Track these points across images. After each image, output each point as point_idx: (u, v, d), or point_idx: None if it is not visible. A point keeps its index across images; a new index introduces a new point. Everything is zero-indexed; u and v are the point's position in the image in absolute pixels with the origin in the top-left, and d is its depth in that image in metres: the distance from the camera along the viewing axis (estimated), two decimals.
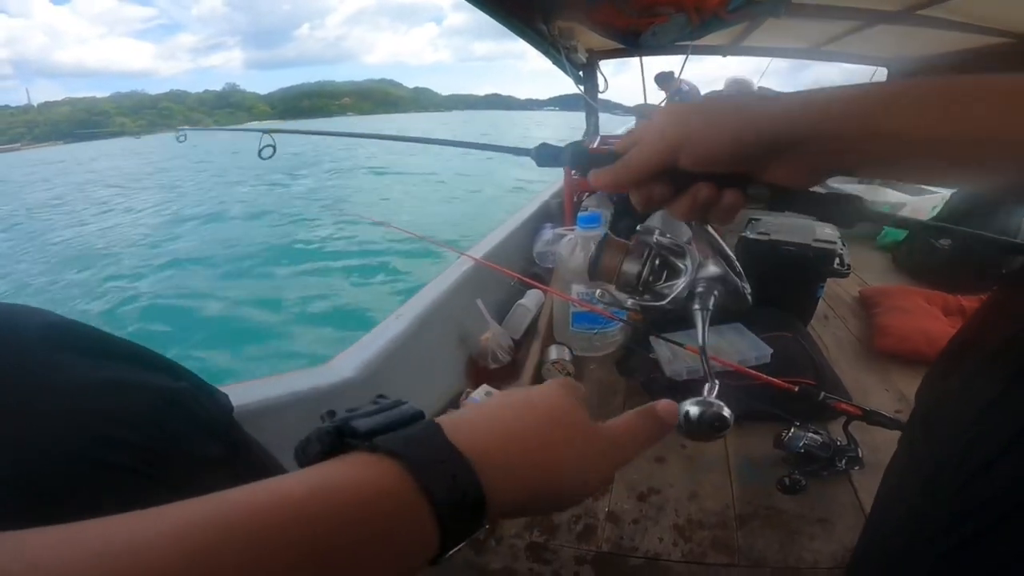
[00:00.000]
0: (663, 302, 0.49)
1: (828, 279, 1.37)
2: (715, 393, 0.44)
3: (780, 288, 1.35)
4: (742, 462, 0.93)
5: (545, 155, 0.46)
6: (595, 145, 2.22)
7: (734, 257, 0.50)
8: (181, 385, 0.38)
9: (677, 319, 1.35)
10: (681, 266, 0.50)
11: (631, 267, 0.49)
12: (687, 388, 1.09)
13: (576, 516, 0.84)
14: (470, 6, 1.16)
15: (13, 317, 0.35)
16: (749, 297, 0.51)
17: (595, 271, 0.51)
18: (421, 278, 4.56)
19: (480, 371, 1.30)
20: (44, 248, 7.42)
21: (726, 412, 0.42)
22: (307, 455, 0.26)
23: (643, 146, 0.38)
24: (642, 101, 3.54)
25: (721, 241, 0.50)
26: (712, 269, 0.50)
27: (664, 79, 3.80)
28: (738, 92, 2.83)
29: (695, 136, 0.36)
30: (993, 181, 0.35)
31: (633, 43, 1.66)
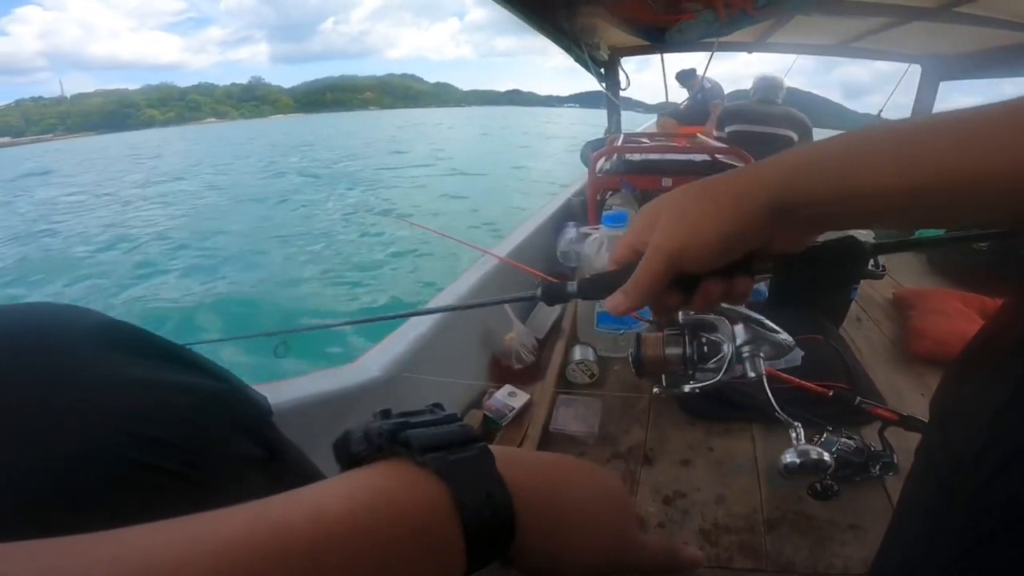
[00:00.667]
0: (718, 378, 0.51)
1: (861, 281, 1.34)
2: (803, 439, 0.47)
3: (811, 290, 1.33)
4: (771, 466, 0.92)
5: (553, 294, 0.46)
6: (619, 143, 2.20)
7: (762, 318, 0.52)
8: (221, 386, 0.37)
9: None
10: (716, 338, 0.52)
11: (674, 351, 0.51)
12: (718, 392, 1.07)
13: None
14: (492, 2, 1.16)
15: (59, 316, 0.35)
16: (792, 346, 0.53)
17: (641, 368, 0.52)
18: (442, 273, 4.61)
19: (503, 371, 1.30)
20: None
21: (826, 456, 0.46)
22: (350, 451, 0.26)
23: (646, 265, 0.39)
24: (665, 99, 3.50)
25: (739, 309, 0.51)
26: (744, 334, 0.51)
27: (685, 76, 3.75)
28: (767, 89, 2.78)
29: (691, 242, 0.37)
30: (973, 219, 0.35)
31: (658, 39, 1.65)
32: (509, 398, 1.13)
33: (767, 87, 2.83)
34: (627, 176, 1.83)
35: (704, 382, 0.52)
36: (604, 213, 1.27)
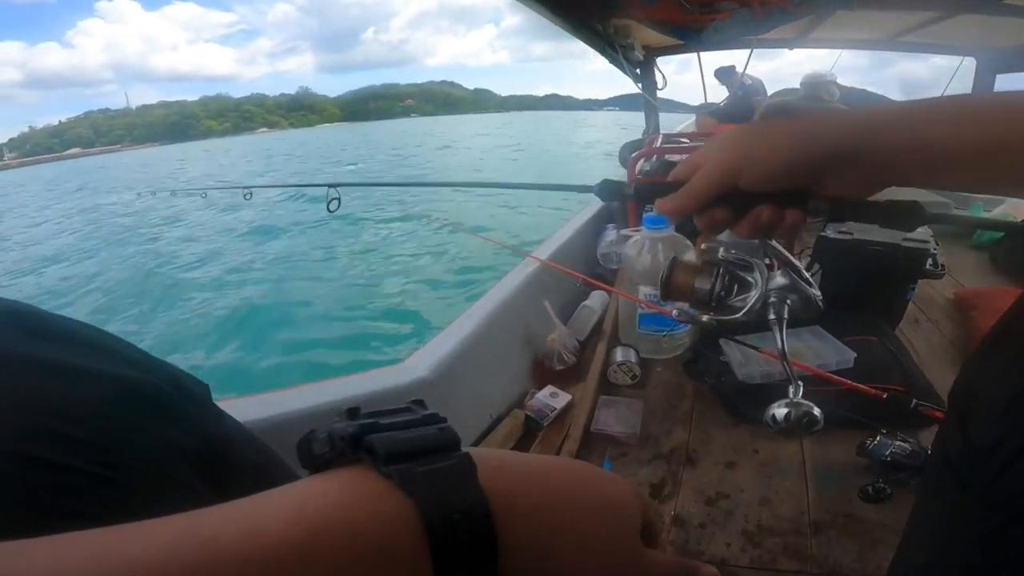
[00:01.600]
0: (738, 315, 0.51)
1: (919, 281, 1.28)
2: (800, 394, 0.46)
3: (864, 290, 1.28)
4: (820, 468, 0.90)
5: (608, 191, 0.48)
6: (657, 144, 2.19)
7: (802, 266, 0.52)
8: (145, 377, 0.33)
9: (750, 321, 1.31)
10: (750, 279, 0.51)
11: (703, 284, 0.51)
12: (760, 392, 1.06)
13: None
14: (528, 9, 1.18)
15: None
16: (820, 304, 0.52)
17: (668, 291, 0.53)
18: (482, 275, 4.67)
19: (545, 372, 1.32)
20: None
21: (816, 411, 0.45)
22: (311, 453, 0.23)
23: (703, 172, 0.40)
24: (704, 99, 3.42)
25: (786, 252, 0.51)
26: (780, 280, 0.51)
27: (725, 74, 3.66)
28: (816, 86, 2.68)
29: (753, 157, 0.38)
30: None
31: (695, 39, 1.63)
32: (551, 399, 1.15)
33: (816, 84, 2.73)
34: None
35: (723, 316, 0.52)
36: (645, 215, 1.27)
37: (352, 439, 0.21)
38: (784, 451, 0.95)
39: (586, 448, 1.01)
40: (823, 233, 1.41)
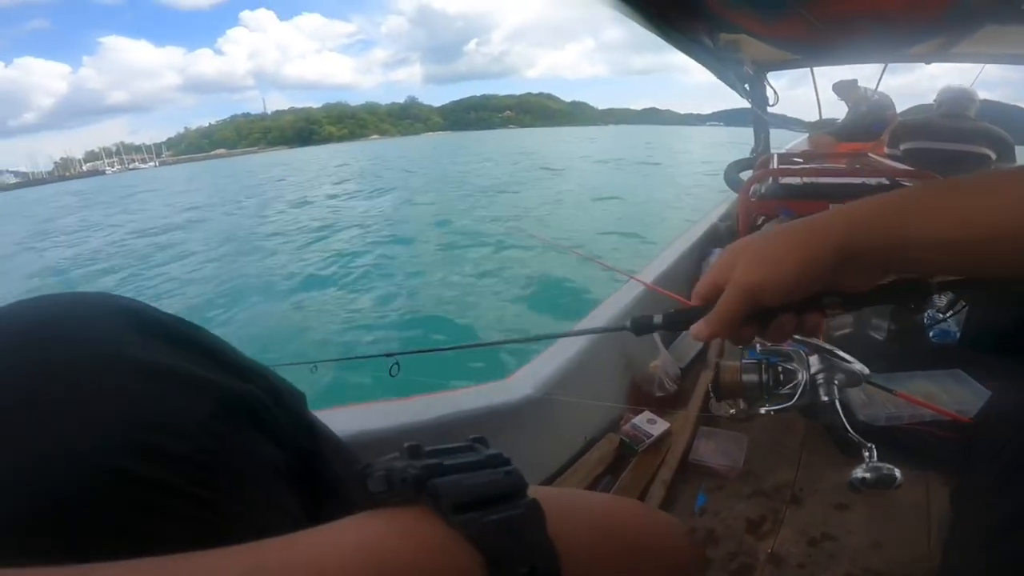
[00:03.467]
0: (792, 402, 0.55)
1: None
2: (875, 457, 0.52)
3: (1019, 331, 1.12)
4: (948, 514, 0.81)
5: (642, 326, 0.50)
6: (775, 165, 2.07)
7: (830, 347, 0.56)
8: (246, 387, 0.32)
9: (876, 358, 1.21)
10: (792, 368, 0.56)
11: (750, 379, 0.57)
12: (883, 435, 0.97)
13: (732, 553, 0.82)
14: (628, 20, 1.18)
15: (84, 303, 0.31)
16: (864, 370, 0.56)
17: (719, 392, 0.60)
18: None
19: (643, 397, 1.31)
20: None
21: (896, 473, 0.49)
22: (369, 491, 0.21)
23: (729, 297, 0.42)
24: (818, 115, 3.17)
25: (813, 340, 0.56)
26: (818, 363, 0.55)
27: (844, 88, 3.35)
28: (955, 102, 2.38)
29: (769, 279, 0.41)
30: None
31: (816, 54, 1.54)
32: (648, 424, 1.14)
33: (955, 99, 2.41)
34: (787, 201, 1.72)
35: (778, 405, 0.56)
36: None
37: (416, 482, 0.20)
38: (906, 496, 0.87)
39: (681, 478, 1.00)
40: None
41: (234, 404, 0.30)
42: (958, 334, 1.33)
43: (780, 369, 0.57)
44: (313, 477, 0.34)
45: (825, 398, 0.54)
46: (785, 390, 0.56)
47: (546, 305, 5.02)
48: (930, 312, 1.46)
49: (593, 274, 4.96)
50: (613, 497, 0.32)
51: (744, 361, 0.59)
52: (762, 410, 0.57)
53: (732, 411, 0.62)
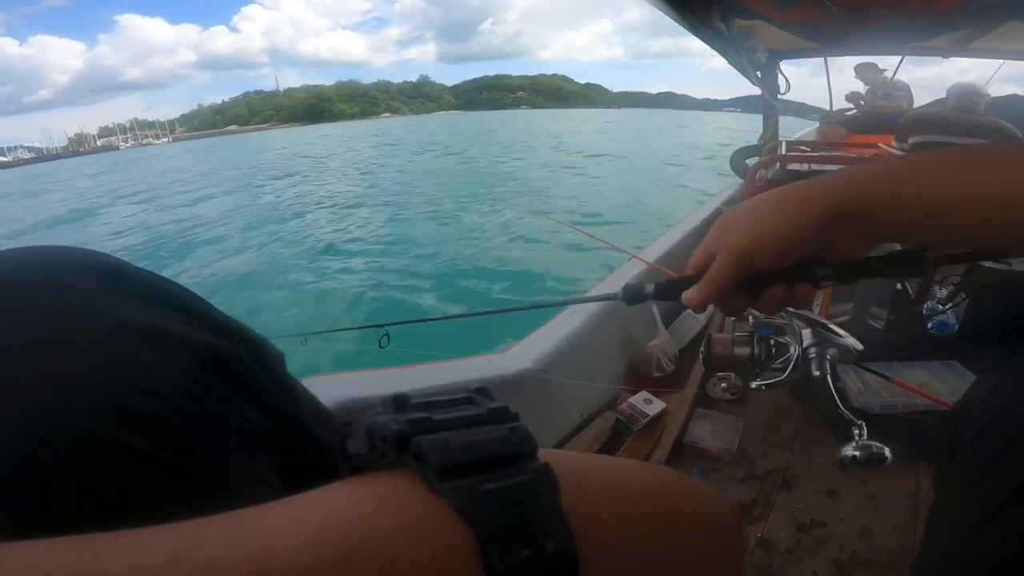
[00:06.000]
0: (784, 376, 0.55)
1: None
2: (865, 436, 0.53)
3: (1019, 325, 1.13)
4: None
5: (633, 295, 0.50)
6: (782, 151, 2.05)
7: (824, 320, 0.56)
8: (226, 344, 0.29)
9: (874, 347, 1.22)
10: (784, 341, 0.56)
11: (742, 351, 0.57)
12: (878, 422, 0.98)
13: None
14: (647, 4, 1.17)
15: (55, 255, 0.29)
16: (857, 345, 0.56)
17: (711, 363, 0.59)
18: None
19: (640, 377, 1.31)
20: None
21: (886, 451, 0.50)
22: (346, 451, 0.18)
23: (721, 261, 0.42)
24: (841, 103, 3.12)
25: (807, 313, 0.56)
26: (811, 337, 0.55)
27: (866, 71, 3.32)
28: (965, 96, 2.35)
29: (761, 241, 0.40)
30: (1006, 244, 0.37)
31: (833, 42, 1.52)
32: (644, 404, 1.15)
33: (964, 94, 2.38)
34: None
35: (770, 379, 0.56)
36: None
37: (397, 439, 0.16)
38: (896, 485, 0.88)
39: (675, 459, 1.01)
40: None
41: (211, 361, 0.28)
42: (956, 326, 1.34)
43: (772, 342, 0.57)
44: (293, 442, 0.32)
45: (816, 373, 0.54)
46: (777, 364, 0.56)
47: (546, 281, 5.04)
48: (929, 303, 1.46)
49: (597, 253, 4.97)
50: (637, 463, 0.23)
51: (736, 334, 0.58)
52: (753, 384, 0.57)
53: (724, 385, 0.61)
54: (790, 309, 0.52)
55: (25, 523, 0.20)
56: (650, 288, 0.48)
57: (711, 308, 0.48)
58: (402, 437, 0.16)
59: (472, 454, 0.16)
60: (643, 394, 1.18)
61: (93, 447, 0.22)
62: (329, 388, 0.77)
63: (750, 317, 0.58)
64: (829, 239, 0.40)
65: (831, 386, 0.54)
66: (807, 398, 1.13)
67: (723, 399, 1.17)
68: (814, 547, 0.79)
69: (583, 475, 0.19)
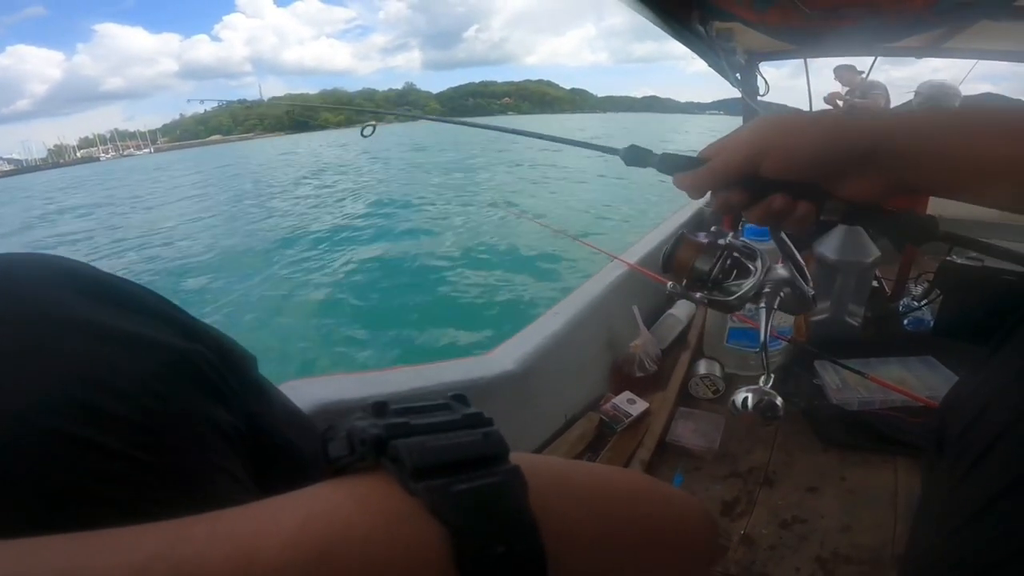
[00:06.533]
0: (731, 298, 0.52)
1: None
2: (770, 384, 0.48)
3: (991, 322, 1.15)
4: (915, 500, 0.83)
5: (633, 156, 0.48)
6: None
7: (804, 265, 0.53)
8: (193, 347, 0.30)
9: (851, 344, 1.23)
10: (751, 267, 0.52)
11: (703, 264, 0.53)
12: (856, 419, 1.00)
13: None
14: (630, 9, 1.17)
15: (28, 262, 0.29)
16: (813, 301, 0.53)
17: (668, 264, 0.54)
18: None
19: (624, 377, 1.32)
20: None
21: (778, 401, 0.47)
22: (327, 454, 0.19)
23: (727, 153, 0.41)
24: (820, 105, 3.18)
25: (793, 248, 0.52)
26: (780, 272, 0.52)
27: (844, 73, 3.41)
28: (936, 97, 2.42)
29: (778, 144, 0.39)
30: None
31: (809, 43, 1.54)
32: (628, 404, 1.15)
33: (936, 94, 2.43)
34: None
35: (715, 297, 0.53)
36: (747, 224, 1.24)
37: (375, 443, 0.17)
38: (875, 481, 0.90)
39: (658, 458, 1.01)
40: (949, 258, 1.30)
41: (179, 364, 0.29)
42: (932, 323, 1.37)
43: (739, 260, 0.53)
44: (263, 443, 0.33)
45: (762, 305, 0.52)
46: (730, 285, 0.52)
47: (529, 282, 5.06)
48: (904, 300, 1.49)
49: (575, 254, 5.00)
50: (615, 468, 0.28)
51: (706, 241, 0.53)
52: (697, 295, 0.53)
53: (670, 284, 0.56)
54: (782, 235, 0.50)
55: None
56: (655, 158, 0.47)
57: (692, 307, 0.46)
58: (380, 441, 0.17)
59: (446, 456, 0.17)
60: (626, 394, 1.18)
61: (63, 445, 0.23)
62: (312, 390, 0.76)
63: (730, 233, 0.55)
64: (844, 172, 0.39)
65: (766, 322, 0.52)
66: (786, 395, 1.14)
67: (705, 398, 1.17)
68: (796, 543, 0.80)
69: (555, 478, 0.20)
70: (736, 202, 0.43)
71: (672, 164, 0.45)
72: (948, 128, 0.37)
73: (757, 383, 0.49)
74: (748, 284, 0.51)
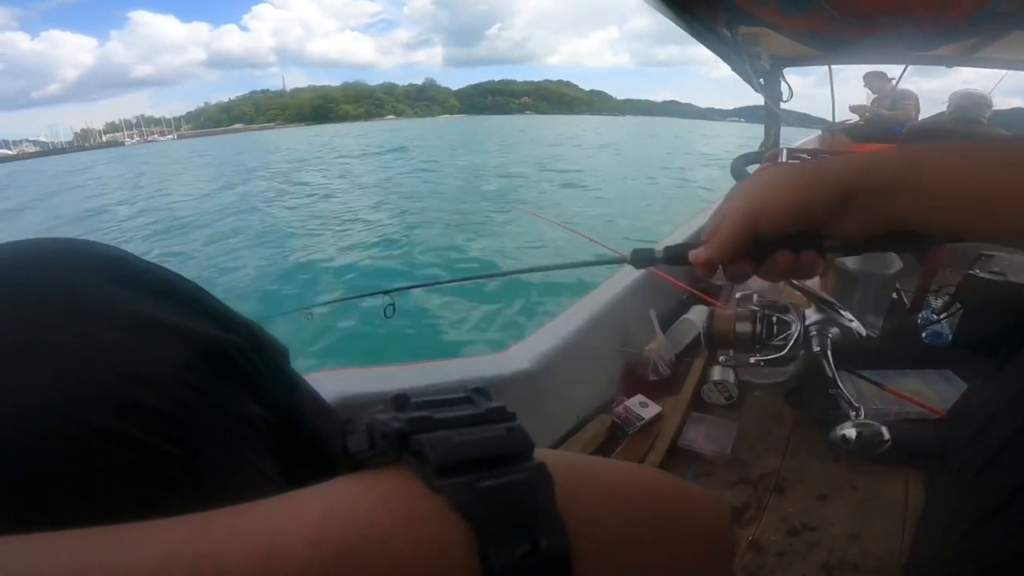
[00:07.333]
0: (783, 352, 0.55)
1: None
2: (863, 416, 0.50)
3: (1013, 336, 1.14)
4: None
5: (641, 258, 0.50)
6: (783, 159, 2.07)
7: (831, 298, 0.55)
8: (227, 336, 0.29)
9: (868, 355, 1.22)
10: (787, 319, 0.55)
11: (743, 327, 0.56)
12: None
13: None
14: (654, 11, 1.18)
15: (59, 248, 0.28)
16: (861, 330, 0.55)
17: (711, 340, 0.57)
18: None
19: (637, 380, 1.32)
20: None
21: (884, 430, 0.48)
22: (347, 448, 0.19)
23: (728, 223, 0.43)
24: (845, 114, 3.13)
25: (815, 290, 0.55)
26: (815, 316, 0.54)
27: (874, 79, 3.33)
28: (968, 107, 2.36)
29: (770, 199, 0.42)
30: (1009, 235, 0.38)
31: (838, 50, 1.52)
32: (640, 408, 1.15)
33: (967, 104, 2.38)
34: None
35: (769, 356, 0.56)
36: None
37: (398, 437, 0.17)
38: (886, 491, 0.89)
39: (669, 463, 1.02)
40: (971, 272, 1.28)
41: (213, 354, 0.28)
42: (951, 336, 1.35)
43: (775, 320, 0.56)
44: (293, 436, 0.32)
45: (817, 348, 0.53)
46: (777, 341, 0.55)
47: (546, 284, 5.06)
48: (924, 313, 1.47)
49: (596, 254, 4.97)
50: (634, 465, 0.27)
51: (738, 309, 0.57)
52: (752, 359, 0.56)
53: (723, 358, 0.60)
54: (795, 282, 0.52)
55: (24, 516, 0.20)
56: (659, 252, 0.48)
57: (707, 310, 0.48)
58: (402, 435, 0.17)
59: (470, 452, 0.17)
60: (639, 397, 1.19)
61: (93, 437, 0.22)
62: (331, 384, 0.78)
63: (754, 296, 0.57)
64: (833, 215, 0.41)
65: (830, 361, 0.53)
66: (800, 403, 1.14)
67: (718, 404, 1.18)
68: (804, 551, 0.80)
69: (579, 475, 0.20)
70: (745, 269, 0.45)
71: (680, 252, 0.47)
72: (924, 166, 0.38)
73: (851, 419, 0.51)
74: (793, 333, 0.54)
